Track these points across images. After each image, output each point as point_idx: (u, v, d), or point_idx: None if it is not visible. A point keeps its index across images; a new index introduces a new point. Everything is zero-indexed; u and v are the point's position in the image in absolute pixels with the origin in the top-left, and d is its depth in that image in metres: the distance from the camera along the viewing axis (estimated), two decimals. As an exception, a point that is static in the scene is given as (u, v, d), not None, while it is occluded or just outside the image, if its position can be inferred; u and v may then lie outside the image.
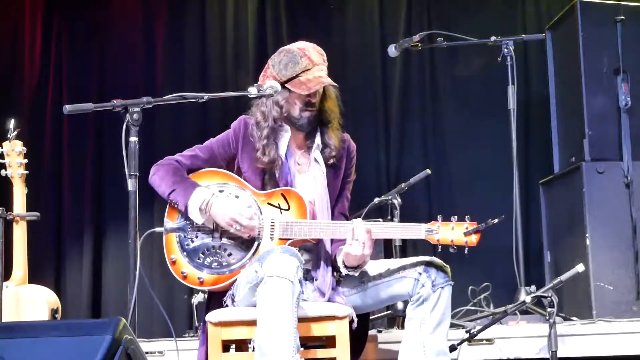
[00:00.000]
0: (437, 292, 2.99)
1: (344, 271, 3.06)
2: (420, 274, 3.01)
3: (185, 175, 3.16)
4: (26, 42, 5.94)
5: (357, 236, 2.95)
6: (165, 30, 5.97)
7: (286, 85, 3.13)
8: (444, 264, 3.05)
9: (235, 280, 3.05)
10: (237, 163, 3.21)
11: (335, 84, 3.18)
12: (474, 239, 2.96)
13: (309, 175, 3.21)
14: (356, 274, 3.07)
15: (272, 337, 2.74)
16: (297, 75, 3.12)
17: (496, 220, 2.92)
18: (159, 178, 3.14)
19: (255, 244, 3.07)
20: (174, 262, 3.10)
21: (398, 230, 3.08)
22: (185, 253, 3.10)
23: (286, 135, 3.19)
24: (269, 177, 3.17)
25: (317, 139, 3.21)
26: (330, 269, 3.12)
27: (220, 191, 3.13)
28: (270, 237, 3.07)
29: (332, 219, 3.20)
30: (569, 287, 4.28)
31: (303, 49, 3.16)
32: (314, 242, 3.11)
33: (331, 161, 3.21)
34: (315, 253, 3.14)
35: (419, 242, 5.34)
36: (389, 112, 5.77)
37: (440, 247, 3.01)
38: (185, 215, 3.10)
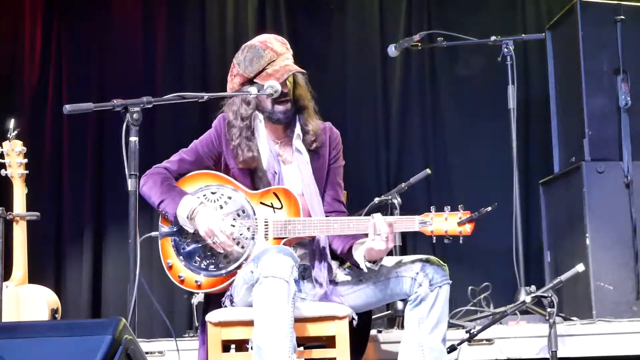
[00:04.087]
0: (435, 291, 2.96)
1: (364, 266, 3.02)
2: (417, 273, 2.98)
3: (173, 183, 3.14)
4: (26, 42, 5.93)
5: (378, 231, 2.92)
6: (165, 31, 5.96)
7: (255, 80, 3.14)
8: (442, 262, 3.03)
9: (232, 282, 3.05)
10: (223, 160, 3.20)
11: (303, 70, 3.17)
12: (468, 228, 2.91)
13: (293, 165, 3.20)
14: (376, 268, 3.04)
15: (269, 337, 2.74)
16: (263, 69, 3.14)
17: (489, 209, 2.87)
18: (148, 189, 3.12)
19: (251, 244, 3.07)
20: (170, 267, 3.10)
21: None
22: (181, 257, 3.09)
23: (262, 129, 3.19)
24: (257, 171, 3.17)
25: (297, 129, 3.20)
26: (325, 262, 3.11)
27: (213, 193, 3.12)
28: (265, 237, 3.06)
29: (324, 207, 3.19)
30: (569, 287, 4.28)
31: (264, 42, 3.18)
32: (308, 239, 3.11)
33: (313, 146, 3.20)
34: (310, 247, 3.14)
35: (418, 242, 5.36)
36: (389, 112, 5.77)
37: (435, 238, 2.97)
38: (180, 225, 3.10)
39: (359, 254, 3.05)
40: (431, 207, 2.97)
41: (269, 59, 3.14)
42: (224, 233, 3.02)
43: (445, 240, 2.95)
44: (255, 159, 3.15)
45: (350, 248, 3.09)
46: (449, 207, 2.95)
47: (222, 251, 3.06)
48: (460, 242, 2.93)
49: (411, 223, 2.96)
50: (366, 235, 2.98)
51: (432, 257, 3.03)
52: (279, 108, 3.15)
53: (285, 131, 3.24)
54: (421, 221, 2.96)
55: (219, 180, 3.17)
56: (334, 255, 3.19)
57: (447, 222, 2.94)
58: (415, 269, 2.99)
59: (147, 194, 3.12)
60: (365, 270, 3.04)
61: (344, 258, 3.16)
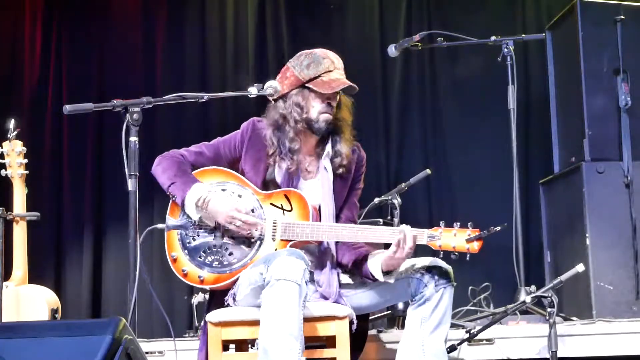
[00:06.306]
0: (440, 293, 3.00)
1: (380, 278, 3.04)
2: (423, 274, 3.02)
3: (187, 169, 3.14)
4: (26, 42, 5.94)
5: (404, 244, 2.95)
6: (165, 31, 5.97)
7: (308, 85, 3.14)
8: (447, 265, 3.05)
9: (236, 280, 3.05)
10: (240, 165, 3.20)
11: (355, 86, 3.17)
12: (475, 246, 2.95)
13: (316, 181, 3.20)
14: (392, 281, 3.05)
15: (279, 340, 2.74)
16: (319, 75, 3.15)
17: (499, 228, 2.92)
18: (161, 169, 3.13)
19: (257, 243, 3.07)
20: (175, 260, 3.10)
21: None
22: (186, 251, 3.09)
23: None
24: (271, 183, 3.17)
25: (328, 147, 3.20)
26: (336, 274, 3.12)
27: (223, 190, 3.12)
28: (272, 238, 3.06)
29: None
30: (569, 287, 4.28)
31: (325, 52, 3.22)
32: (316, 244, 3.11)
33: (340, 170, 3.21)
34: (319, 257, 3.14)
35: (418, 246, 5.35)
36: (389, 112, 5.77)
37: (442, 253, 3.00)
38: (185, 211, 3.09)
39: (375, 266, 3.05)
40: (440, 222, 2.99)
41: (326, 67, 3.16)
42: (243, 211, 3.03)
43: (452, 256, 2.98)
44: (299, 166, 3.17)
45: (363, 259, 3.09)
46: (458, 223, 2.98)
47: (246, 233, 3.04)
48: (467, 259, 2.96)
49: (420, 236, 2.99)
50: (375, 245, 3.02)
51: (438, 260, 3.04)
52: (324, 117, 3.15)
53: (317, 148, 3.23)
54: (430, 235, 2.98)
55: (231, 178, 3.17)
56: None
57: (455, 238, 2.97)
58: (422, 271, 3.03)
59: (158, 173, 3.13)
60: (382, 280, 3.05)
61: (354, 271, 3.15)
